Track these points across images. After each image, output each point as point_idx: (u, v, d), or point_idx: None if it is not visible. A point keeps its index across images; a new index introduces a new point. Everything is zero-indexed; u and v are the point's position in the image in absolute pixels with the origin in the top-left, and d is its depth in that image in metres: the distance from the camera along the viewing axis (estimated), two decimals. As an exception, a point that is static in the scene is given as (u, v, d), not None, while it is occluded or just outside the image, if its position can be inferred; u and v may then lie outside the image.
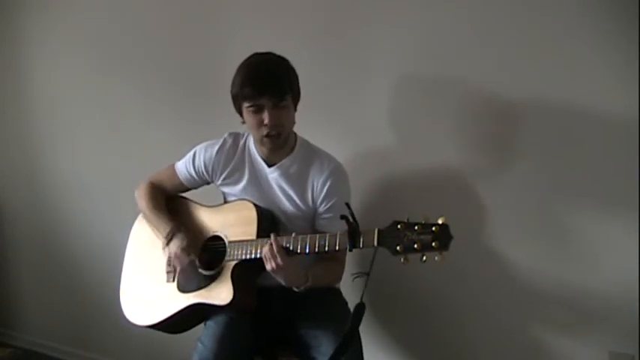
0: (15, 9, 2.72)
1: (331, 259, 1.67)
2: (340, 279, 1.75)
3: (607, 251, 1.64)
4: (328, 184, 1.67)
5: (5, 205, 2.98)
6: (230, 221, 1.69)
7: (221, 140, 1.78)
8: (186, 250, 1.68)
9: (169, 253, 1.73)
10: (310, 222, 1.73)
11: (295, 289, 1.57)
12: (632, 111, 1.56)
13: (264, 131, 1.61)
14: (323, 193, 1.68)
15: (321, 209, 1.69)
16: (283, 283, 1.55)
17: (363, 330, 1.45)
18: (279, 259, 1.49)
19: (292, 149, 1.73)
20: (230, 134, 1.79)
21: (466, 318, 1.88)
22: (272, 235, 1.53)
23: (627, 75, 1.56)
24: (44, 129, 2.77)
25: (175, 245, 1.70)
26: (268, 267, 1.52)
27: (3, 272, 3.04)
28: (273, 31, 2.08)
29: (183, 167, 1.82)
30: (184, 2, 2.31)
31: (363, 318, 1.39)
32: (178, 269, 1.72)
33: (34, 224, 2.89)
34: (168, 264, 1.77)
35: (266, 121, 1.59)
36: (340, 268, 1.72)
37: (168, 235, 1.73)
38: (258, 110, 1.60)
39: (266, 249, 1.52)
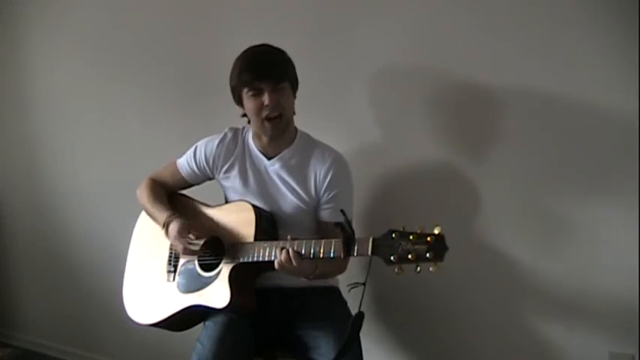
0: (15, 9, 2.72)
1: None
2: (345, 268, 1.72)
3: (607, 250, 1.64)
4: (331, 173, 1.68)
5: (6, 206, 2.98)
6: (229, 222, 1.69)
7: (222, 134, 1.80)
8: (183, 230, 1.66)
9: (170, 237, 1.71)
10: (312, 214, 1.73)
11: (304, 279, 1.56)
12: (632, 105, 1.56)
13: (265, 113, 1.62)
14: (326, 183, 1.68)
15: (324, 199, 1.69)
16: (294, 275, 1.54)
17: (362, 331, 1.45)
18: (293, 264, 1.48)
19: (292, 141, 1.73)
20: (230, 129, 1.80)
21: (465, 318, 1.87)
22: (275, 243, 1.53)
23: (626, 68, 1.55)
24: (45, 130, 2.77)
25: (173, 229, 1.69)
26: (284, 272, 1.51)
27: (3, 272, 3.04)
28: (272, 30, 2.07)
29: (184, 163, 1.82)
30: (184, 2, 2.31)
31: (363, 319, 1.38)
32: (181, 249, 1.68)
33: (35, 224, 2.89)
34: (169, 263, 1.77)
35: (266, 102, 1.60)
36: (344, 260, 1.71)
37: (165, 222, 1.72)
38: (257, 94, 1.62)
39: (283, 257, 1.49)
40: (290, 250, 1.49)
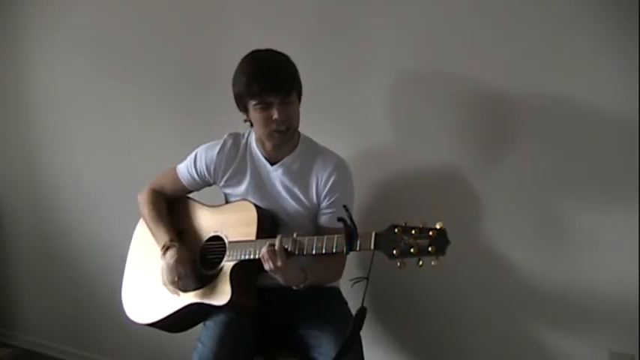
0: (15, 9, 2.72)
1: (330, 257, 1.67)
2: (340, 276, 1.75)
3: (607, 250, 1.64)
4: (332, 178, 1.68)
5: (6, 206, 2.98)
6: (230, 221, 1.70)
7: (221, 141, 1.78)
8: (175, 264, 1.66)
9: (164, 265, 1.71)
10: (313, 219, 1.73)
11: (294, 288, 1.57)
12: (632, 107, 1.56)
13: (273, 126, 1.61)
14: (327, 188, 1.68)
15: (324, 204, 1.69)
16: (281, 282, 1.55)
17: (364, 330, 1.45)
18: (278, 261, 1.49)
19: (295, 147, 1.73)
20: (230, 134, 1.79)
21: (466, 318, 1.88)
22: (270, 240, 1.54)
23: (627, 70, 1.55)
24: (45, 130, 2.77)
25: (167, 258, 1.69)
26: (267, 267, 1.52)
27: (3, 272, 3.04)
28: (273, 30, 2.07)
29: (185, 170, 1.82)
30: (184, 1, 2.31)
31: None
32: (169, 281, 1.68)
33: (35, 224, 2.89)
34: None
35: (275, 116, 1.59)
36: (340, 265, 1.72)
37: (162, 248, 1.72)
38: (266, 107, 1.60)
39: (264, 250, 1.52)
40: (277, 245, 1.50)
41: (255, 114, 1.63)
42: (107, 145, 2.58)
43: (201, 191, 1.86)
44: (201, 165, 1.78)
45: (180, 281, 1.67)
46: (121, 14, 2.45)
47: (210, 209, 1.79)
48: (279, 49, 1.67)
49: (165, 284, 1.70)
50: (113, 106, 2.54)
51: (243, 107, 1.66)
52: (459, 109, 1.81)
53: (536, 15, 1.66)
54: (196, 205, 1.83)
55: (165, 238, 1.74)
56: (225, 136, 1.79)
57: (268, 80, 1.58)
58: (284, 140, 1.66)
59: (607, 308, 1.66)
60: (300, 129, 1.75)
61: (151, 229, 1.81)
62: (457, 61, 1.79)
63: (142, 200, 1.85)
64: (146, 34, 2.41)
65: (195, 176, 1.80)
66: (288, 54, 1.67)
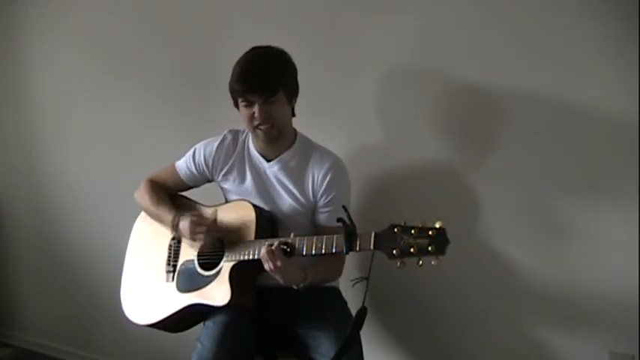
0: (15, 9, 2.72)
1: (330, 256, 1.67)
2: (340, 274, 1.75)
3: (607, 250, 1.64)
4: (329, 176, 1.68)
5: (6, 205, 2.98)
6: (229, 221, 1.70)
7: (221, 136, 1.80)
8: (196, 222, 1.67)
9: (184, 235, 1.72)
10: (310, 217, 1.73)
11: (294, 287, 1.58)
12: (632, 106, 1.56)
13: (255, 123, 1.64)
14: (324, 186, 1.68)
15: (321, 202, 1.70)
16: (281, 282, 1.55)
17: (364, 330, 1.45)
18: (277, 261, 1.50)
19: (291, 144, 1.73)
20: (230, 131, 1.81)
21: (465, 318, 1.88)
22: (269, 240, 1.54)
23: (625, 69, 1.55)
24: (45, 129, 2.77)
25: (185, 225, 1.68)
26: (266, 267, 1.52)
27: (3, 272, 3.04)
28: (275, 28, 2.07)
29: (183, 165, 1.83)
30: (184, 1, 2.30)
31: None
32: (200, 244, 1.70)
33: (35, 224, 2.89)
34: (168, 263, 1.78)
35: (256, 114, 1.62)
36: (340, 264, 1.72)
37: (173, 220, 1.72)
38: (249, 105, 1.63)
39: (264, 250, 1.52)
40: (275, 246, 1.50)
41: (241, 110, 1.66)
42: (107, 144, 2.58)
43: (199, 191, 1.86)
44: (200, 159, 1.79)
45: (201, 239, 1.67)
46: (121, 14, 2.46)
47: (208, 209, 1.78)
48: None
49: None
50: (113, 106, 2.54)
51: (235, 103, 1.69)
52: (458, 108, 1.81)
53: (534, 14, 1.66)
54: (194, 205, 1.83)
55: (170, 216, 1.74)
56: (225, 132, 1.81)
57: (251, 80, 1.60)
58: (268, 138, 1.67)
59: (607, 308, 1.66)
60: (298, 126, 1.76)
61: (154, 215, 1.82)
62: (455, 60, 1.79)
63: (140, 192, 1.85)
64: (146, 33, 2.41)
65: (194, 170, 1.81)
66: (288, 53, 1.68)
